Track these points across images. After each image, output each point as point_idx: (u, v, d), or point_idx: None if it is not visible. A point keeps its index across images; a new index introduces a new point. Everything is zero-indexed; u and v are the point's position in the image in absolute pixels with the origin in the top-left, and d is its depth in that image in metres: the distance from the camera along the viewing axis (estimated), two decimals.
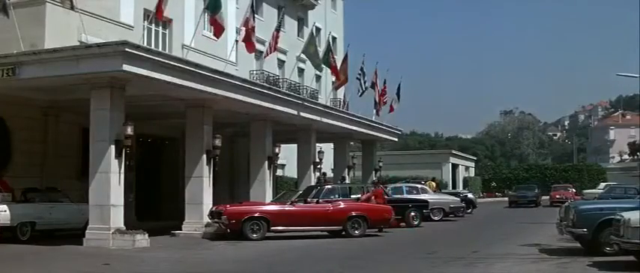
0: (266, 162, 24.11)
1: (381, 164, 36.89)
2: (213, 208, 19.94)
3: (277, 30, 26.13)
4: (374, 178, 24.04)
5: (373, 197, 22.28)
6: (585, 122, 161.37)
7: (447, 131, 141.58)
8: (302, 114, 25.43)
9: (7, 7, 17.80)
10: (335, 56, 30.80)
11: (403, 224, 23.81)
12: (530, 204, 41.83)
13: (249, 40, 24.06)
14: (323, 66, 29.62)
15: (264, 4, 38.92)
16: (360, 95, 33.08)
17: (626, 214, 11.70)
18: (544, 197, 44.79)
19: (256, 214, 19.21)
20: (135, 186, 23.26)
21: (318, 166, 29.18)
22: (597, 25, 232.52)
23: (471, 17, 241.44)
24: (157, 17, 21.16)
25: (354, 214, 19.95)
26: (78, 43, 19.26)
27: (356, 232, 19.66)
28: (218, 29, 22.23)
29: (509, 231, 22.01)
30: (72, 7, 18.47)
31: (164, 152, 27.92)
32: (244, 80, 22.18)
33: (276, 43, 26.04)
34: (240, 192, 27.91)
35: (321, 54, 29.05)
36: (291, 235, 19.29)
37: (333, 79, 33.53)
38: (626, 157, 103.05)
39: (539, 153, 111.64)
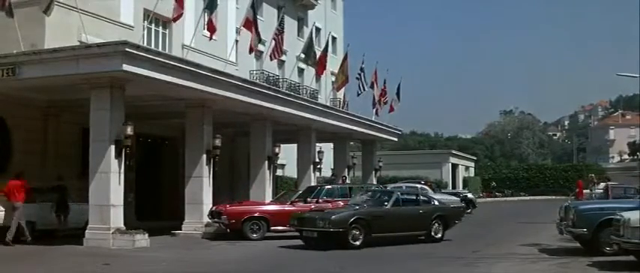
0: (266, 162, 24.12)
1: (381, 164, 36.88)
2: (213, 208, 19.94)
3: (279, 33, 26.03)
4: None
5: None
6: (585, 122, 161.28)
7: (447, 131, 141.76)
8: (302, 114, 25.41)
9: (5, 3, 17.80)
10: (332, 55, 30.75)
11: None
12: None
13: (253, 42, 24.09)
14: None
15: (264, 4, 38.92)
16: (358, 95, 33.13)
17: (626, 214, 11.71)
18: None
19: (256, 214, 19.22)
20: (135, 186, 23.26)
21: (319, 166, 29.18)
22: (597, 25, 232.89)
23: (471, 17, 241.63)
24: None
25: None
26: (78, 43, 19.25)
27: None
28: (212, 29, 22.25)
29: (509, 231, 22.00)
30: (46, 10, 18.38)
31: (164, 152, 27.90)
32: (244, 80, 22.18)
33: (280, 47, 25.98)
34: (240, 192, 27.90)
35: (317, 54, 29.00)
36: (291, 235, 19.27)
37: (333, 79, 33.48)
38: (626, 157, 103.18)
39: (539, 153, 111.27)
